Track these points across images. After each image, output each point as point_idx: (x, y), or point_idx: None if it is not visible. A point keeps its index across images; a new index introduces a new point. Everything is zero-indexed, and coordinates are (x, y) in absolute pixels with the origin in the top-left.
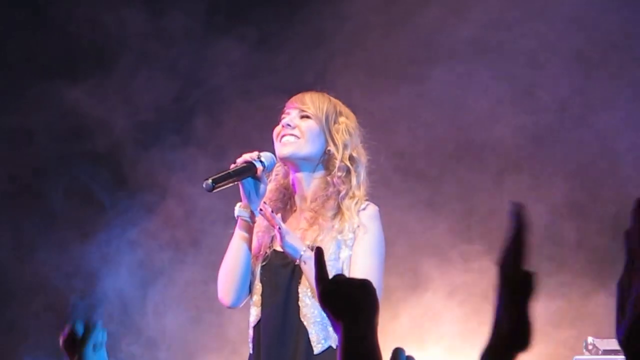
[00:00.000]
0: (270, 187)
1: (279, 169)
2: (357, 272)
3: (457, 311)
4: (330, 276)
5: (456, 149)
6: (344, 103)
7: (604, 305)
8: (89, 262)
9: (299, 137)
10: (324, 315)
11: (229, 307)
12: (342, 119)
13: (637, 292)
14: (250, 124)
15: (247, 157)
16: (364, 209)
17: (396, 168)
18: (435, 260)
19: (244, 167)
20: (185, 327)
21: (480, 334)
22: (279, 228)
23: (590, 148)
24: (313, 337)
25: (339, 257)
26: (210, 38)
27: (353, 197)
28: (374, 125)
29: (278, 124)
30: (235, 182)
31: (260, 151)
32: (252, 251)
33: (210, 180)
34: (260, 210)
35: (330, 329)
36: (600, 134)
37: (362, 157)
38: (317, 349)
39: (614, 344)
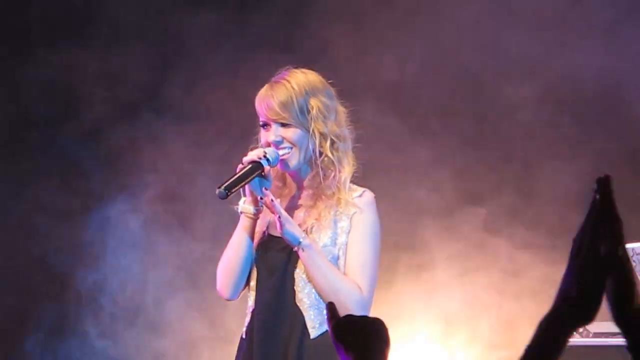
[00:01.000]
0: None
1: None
2: (353, 259)
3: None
4: (327, 261)
5: None
6: (302, 67)
7: None
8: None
9: (291, 148)
10: (320, 299)
11: (228, 300)
12: (312, 102)
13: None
14: (229, 93)
15: (254, 156)
16: (360, 195)
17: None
18: None
19: (252, 168)
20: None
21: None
22: (279, 216)
23: None
24: (309, 322)
25: (335, 243)
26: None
27: (342, 174)
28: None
29: (260, 130)
30: (246, 184)
31: (264, 147)
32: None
33: (222, 189)
34: (261, 198)
35: (321, 313)
36: None
37: (342, 130)
38: (313, 333)
39: (604, 327)
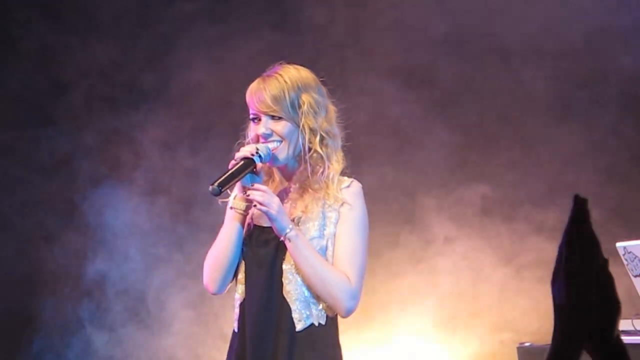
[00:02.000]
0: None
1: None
2: (341, 250)
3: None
4: (314, 252)
5: None
6: (293, 63)
7: None
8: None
9: (280, 141)
10: (307, 292)
11: (214, 294)
12: (303, 98)
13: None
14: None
15: (246, 153)
16: (347, 186)
17: None
18: None
19: (244, 164)
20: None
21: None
22: (267, 208)
23: None
24: (295, 314)
25: (323, 235)
26: None
27: (330, 170)
28: None
29: (249, 124)
30: (238, 181)
31: (253, 140)
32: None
33: (216, 185)
34: (248, 195)
35: (313, 306)
36: None
37: (332, 127)
38: (299, 326)
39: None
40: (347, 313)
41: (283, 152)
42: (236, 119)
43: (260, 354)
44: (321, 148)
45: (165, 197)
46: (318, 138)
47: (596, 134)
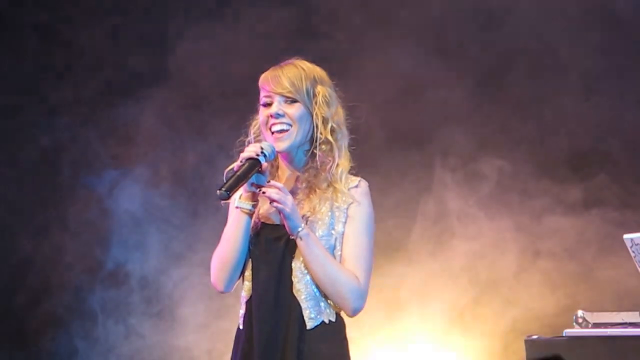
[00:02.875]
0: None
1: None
2: (349, 250)
3: None
4: (324, 250)
5: None
6: (312, 61)
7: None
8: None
9: (290, 125)
10: (317, 290)
11: (222, 292)
12: (318, 89)
13: None
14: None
15: (251, 153)
16: (356, 186)
17: None
18: None
19: (250, 165)
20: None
21: None
22: (283, 205)
23: None
24: (306, 313)
25: (331, 233)
26: None
27: (339, 167)
28: None
29: (260, 107)
30: (245, 182)
31: (260, 142)
32: None
33: (224, 190)
34: (264, 192)
35: (323, 304)
36: None
37: (341, 124)
38: (310, 324)
39: (604, 318)
40: (354, 312)
41: (291, 137)
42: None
43: (269, 351)
44: (333, 140)
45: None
46: (329, 127)
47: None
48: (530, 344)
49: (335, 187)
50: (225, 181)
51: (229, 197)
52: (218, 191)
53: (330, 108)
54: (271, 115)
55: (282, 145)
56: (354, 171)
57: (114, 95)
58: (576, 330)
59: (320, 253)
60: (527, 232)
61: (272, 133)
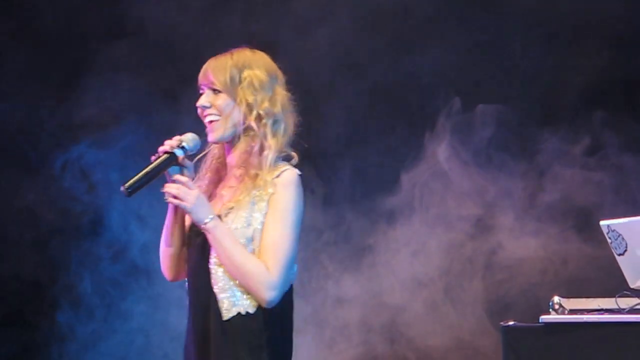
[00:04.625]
0: (210, 169)
1: (214, 151)
2: (265, 240)
3: None
4: (234, 242)
5: None
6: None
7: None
8: None
9: (219, 115)
10: (232, 282)
11: (172, 281)
12: (245, 74)
13: None
14: None
15: (167, 147)
16: (278, 176)
17: None
18: None
19: (164, 160)
20: None
21: None
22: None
23: None
24: (221, 304)
25: (250, 224)
26: None
27: (264, 155)
28: None
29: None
30: (155, 178)
31: (181, 134)
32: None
33: (127, 188)
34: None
35: (239, 295)
36: None
37: (270, 113)
38: (226, 315)
39: (580, 304)
40: (267, 304)
41: (220, 129)
42: None
43: (199, 342)
44: (257, 126)
45: None
46: (254, 114)
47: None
48: (506, 330)
49: (260, 176)
50: (131, 177)
51: (131, 194)
52: (122, 187)
53: (257, 93)
54: (201, 107)
55: (212, 136)
56: (295, 163)
57: None
58: (552, 317)
59: (229, 245)
60: None
61: (206, 125)
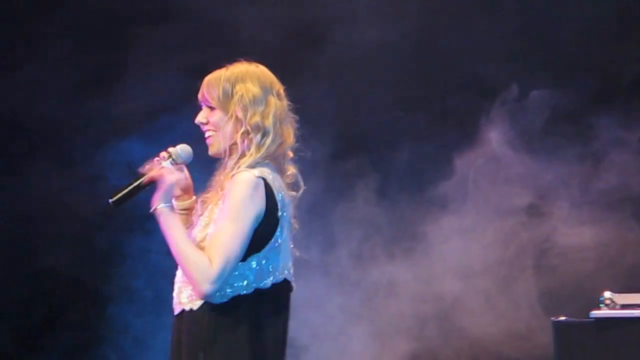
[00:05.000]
0: (215, 181)
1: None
2: (211, 236)
3: None
4: (180, 231)
5: None
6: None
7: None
8: None
9: (214, 131)
10: (180, 276)
11: None
12: (237, 88)
13: None
14: None
15: (155, 160)
16: (232, 176)
17: None
18: None
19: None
20: None
21: None
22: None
23: None
24: (180, 297)
25: (204, 228)
26: None
27: (240, 162)
28: None
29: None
30: (139, 191)
31: (173, 146)
32: None
33: (112, 202)
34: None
35: (185, 291)
36: None
37: (259, 128)
38: (176, 309)
39: (632, 299)
40: (205, 296)
41: (215, 144)
42: None
43: (175, 333)
44: (242, 140)
45: None
46: (242, 130)
47: None
48: (557, 325)
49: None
50: (119, 190)
51: (119, 205)
52: (110, 200)
53: (248, 108)
54: (198, 124)
55: (210, 151)
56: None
57: None
58: (603, 312)
59: (175, 232)
60: None
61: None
